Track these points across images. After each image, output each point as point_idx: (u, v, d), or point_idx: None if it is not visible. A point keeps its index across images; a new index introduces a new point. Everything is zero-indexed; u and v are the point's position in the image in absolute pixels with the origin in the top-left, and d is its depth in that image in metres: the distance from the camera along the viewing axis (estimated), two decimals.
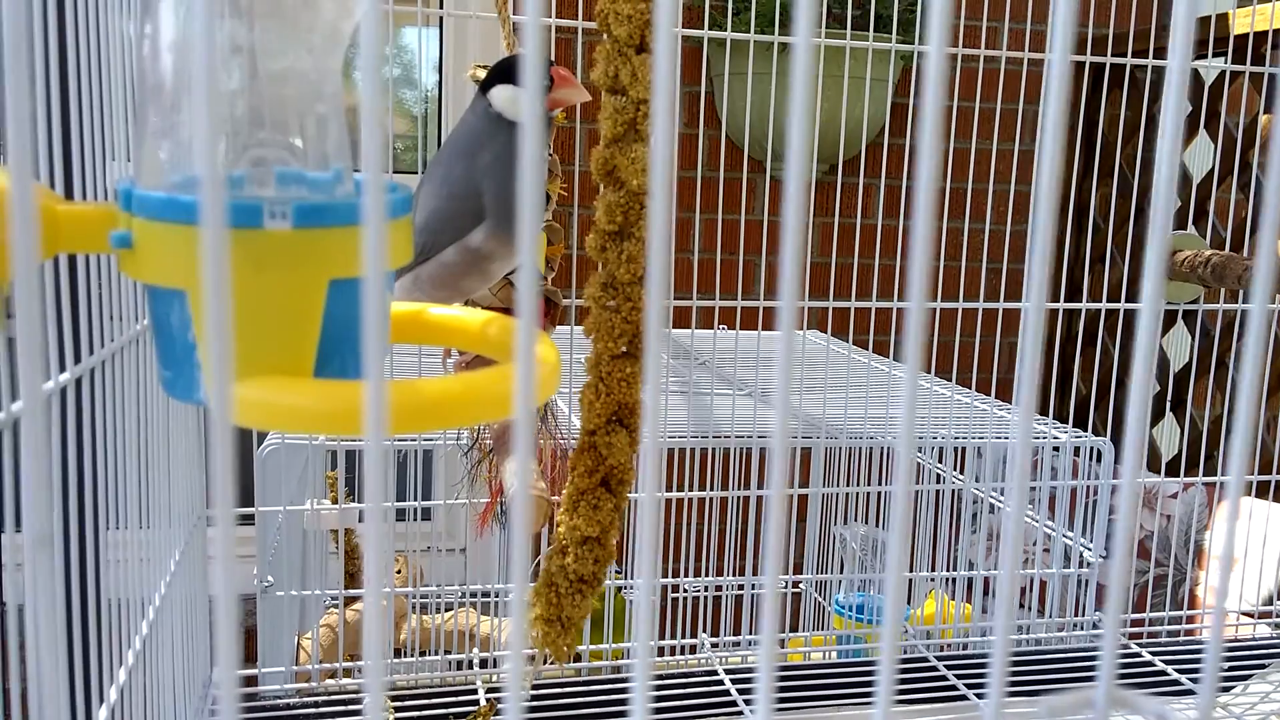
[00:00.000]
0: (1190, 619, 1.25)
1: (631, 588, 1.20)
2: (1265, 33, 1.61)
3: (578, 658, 1.02)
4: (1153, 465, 1.93)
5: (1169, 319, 1.79)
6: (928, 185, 0.20)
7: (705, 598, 1.28)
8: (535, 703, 0.87)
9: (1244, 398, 0.22)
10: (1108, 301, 1.17)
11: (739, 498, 1.13)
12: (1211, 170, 1.80)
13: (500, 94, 0.67)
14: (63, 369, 0.48)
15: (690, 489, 1.11)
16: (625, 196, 0.50)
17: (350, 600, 1.08)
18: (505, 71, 0.68)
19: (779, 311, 0.20)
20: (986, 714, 0.20)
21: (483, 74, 0.78)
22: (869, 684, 0.94)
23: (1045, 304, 0.22)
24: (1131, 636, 1.06)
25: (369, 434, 0.19)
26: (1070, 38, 0.21)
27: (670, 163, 0.19)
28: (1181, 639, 1.07)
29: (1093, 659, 0.99)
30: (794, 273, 0.20)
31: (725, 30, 1.64)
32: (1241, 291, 0.99)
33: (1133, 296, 1.54)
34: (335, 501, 1.08)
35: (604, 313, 0.48)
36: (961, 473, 1.17)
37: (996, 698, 0.20)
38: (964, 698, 0.92)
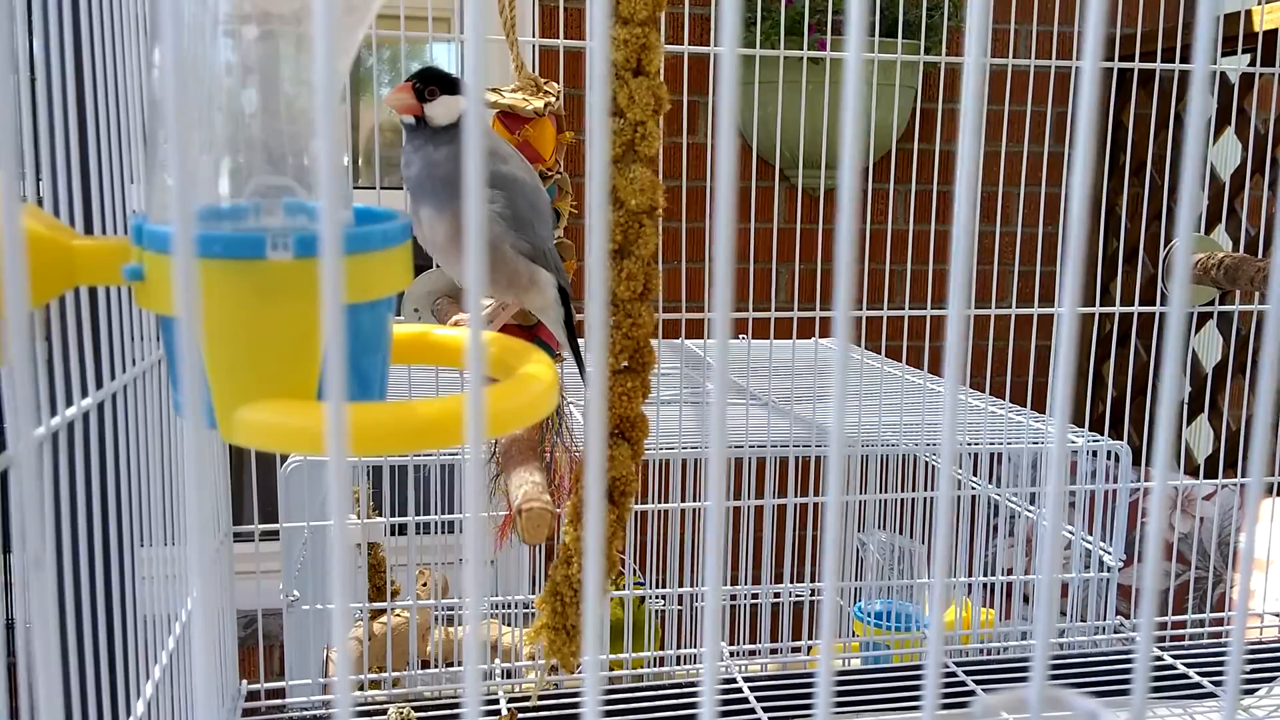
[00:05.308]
0: (1219, 622, 1.24)
1: (658, 598, 1.21)
2: None
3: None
4: (1189, 468, 1.91)
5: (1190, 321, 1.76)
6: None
7: (724, 606, 1.28)
8: (552, 712, 0.88)
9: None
10: (1140, 304, 1.16)
11: (752, 507, 1.13)
12: (1241, 167, 1.78)
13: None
14: (85, 394, 0.50)
15: (704, 499, 1.12)
16: (624, 216, 0.51)
17: (375, 614, 1.10)
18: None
19: (714, 320, 0.21)
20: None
21: (493, 96, 0.79)
22: (889, 689, 0.95)
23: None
24: (1156, 640, 1.05)
25: (331, 453, 0.20)
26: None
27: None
28: (1205, 642, 1.06)
29: (1114, 663, 0.98)
30: (727, 276, 0.21)
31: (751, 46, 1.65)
32: (1258, 293, 0.98)
33: (1163, 299, 1.52)
34: (360, 516, 1.10)
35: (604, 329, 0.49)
36: (991, 480, 1.17)
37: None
38: None
